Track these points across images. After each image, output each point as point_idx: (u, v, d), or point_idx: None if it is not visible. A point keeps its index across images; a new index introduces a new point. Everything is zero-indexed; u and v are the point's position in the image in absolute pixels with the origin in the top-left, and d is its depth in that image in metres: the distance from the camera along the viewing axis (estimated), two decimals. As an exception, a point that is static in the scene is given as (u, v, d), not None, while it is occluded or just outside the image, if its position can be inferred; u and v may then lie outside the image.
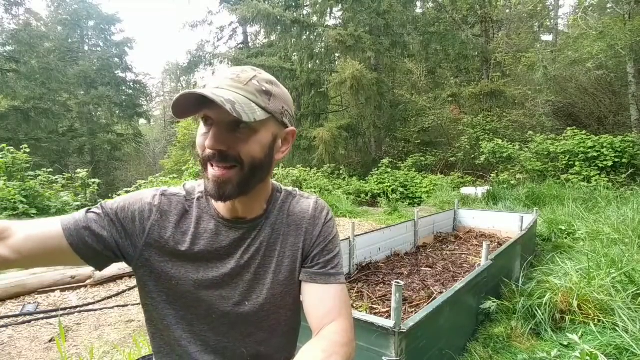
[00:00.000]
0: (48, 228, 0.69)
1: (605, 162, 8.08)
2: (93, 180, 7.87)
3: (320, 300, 0.79)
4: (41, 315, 2.74)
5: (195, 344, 0.79)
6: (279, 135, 0.76)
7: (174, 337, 0.79)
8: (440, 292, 2.51)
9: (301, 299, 0.84)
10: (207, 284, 0.77)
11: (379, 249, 3.35)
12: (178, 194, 0.81)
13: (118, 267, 3.47)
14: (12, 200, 5.24)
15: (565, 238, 4.15)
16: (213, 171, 0.70)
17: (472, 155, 11.01)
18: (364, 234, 3.23)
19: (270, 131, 0.73)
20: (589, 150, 8.35)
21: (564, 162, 8.54)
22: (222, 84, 0.69)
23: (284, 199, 0.87)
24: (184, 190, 0.82)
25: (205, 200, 0.81)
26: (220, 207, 0.79)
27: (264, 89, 0.71)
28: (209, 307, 0.78)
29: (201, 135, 0.71)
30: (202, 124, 0.72)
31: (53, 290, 3.20)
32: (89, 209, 0.74)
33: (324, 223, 0.86)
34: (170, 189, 0.82)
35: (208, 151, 0.70)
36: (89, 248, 0.70)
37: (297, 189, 0.93)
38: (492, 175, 9.30)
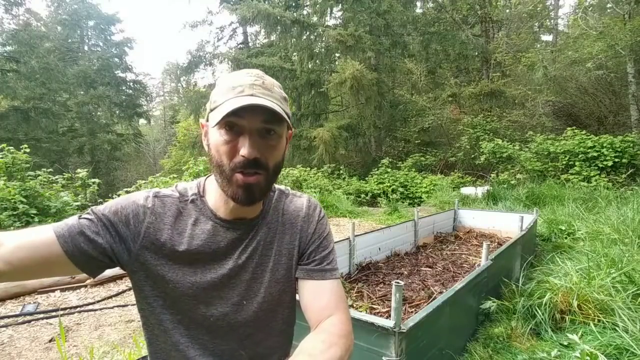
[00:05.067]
0: (40, 236, 0.67)
1: (605, 162, 8.07)
2: (93, 180, 7.86)
3: (318, 295, 0.80)
4: (41, 315, 2.74)
5: (193, 348, 0.78)
6: (287, 137, 0.80)
7: (171, 342, 0.78)
8: (440, 292, 2.51)
9: (298, 296, 0.85)
10: (204, 286, 0.77)
11: (379, 249, 3.35)
12: (171, 195, 0.80)
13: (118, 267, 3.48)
14: (12, 200, 5.23)
15: (565, 238, 4.15)
16: (243, 177, 0.71)
17: (472, 155, 11.01)
18: (364, 234, 3.23)
19: (285, 135, 0.77)
20: (589, 150, 8.35)
21: (564, 162, 8.54)
22: (255, 91, 0.70)
23: (277, 198, 0.88)
24: (177, 191, 0.82)
25: (201, 202, 0.80)
26: (220, 208, 0.79)
27: (282, 95, 0.75)
28: (207, 309, 0.78)
29: (225, 142, 0.71)
30: (221, 130, 0.71)
31: (53, 290, 3.20)
32: (81, 215, 0.73)
33: (317, 220, 0.88)
34: (162, 191, 0.81)
35: (240, 158, 0.70)
36: (84, 254, 0.69)
37: (288, 187, 0.94)
38: (492, 175, 9.29)
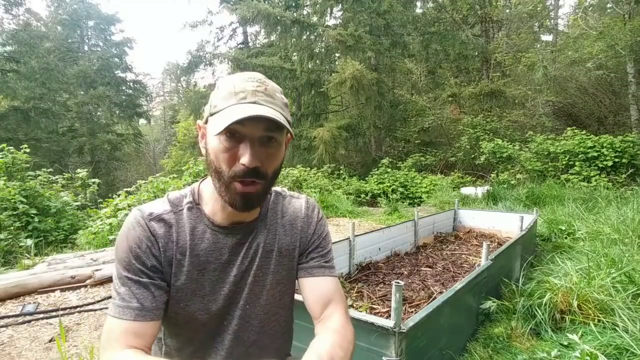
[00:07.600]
0: (146, 338, 0.71)
1: (605, 162, 8.07)
2: (93, 180, 7.86)
3: (320, 290, 0.82)
4: (41, 315, 2.73)
5: None
6: (286, 142, 0.79)
7: None
8: (440, 292, 2.51)
9: (299, 294, 0.87)
10: (214, 297, 0.78)
11: (379, 249, 3.35)
12: (163, 210, 0.78)
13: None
14: (12, 200, 5.23)
15: (565, 238, 4.14)
16: (242, 187, 0.70)
17: (472, 155, 11.00)
18: (364, 234, 3.23)
19: (285, 141, 0.76)
20: (589, 150, 8.34)
21: (564, 162, 8.54)
22: (258, 98, 0.69)
23: (274, 199, 0.88)
24: (168, 203, 0.79)
25: (197, 210, 0.79)
26: (217, 214, 0.78)
27: (284, 102, 0.74)
28: (219, 319, 0.79)
29: (225, 150, 0.69)
30: (222, 137, 0.69)
31: (53, 290, 3.19)
32: (118, 291, 0.74)
33: (317, 221, 0.89)
34: (154, 210, 0.77)
35: (240, 167, 0.68)
36: (163, 302, 0.75)
37: (285, 188, 0.94)
38: (492, 175, 9.29)
